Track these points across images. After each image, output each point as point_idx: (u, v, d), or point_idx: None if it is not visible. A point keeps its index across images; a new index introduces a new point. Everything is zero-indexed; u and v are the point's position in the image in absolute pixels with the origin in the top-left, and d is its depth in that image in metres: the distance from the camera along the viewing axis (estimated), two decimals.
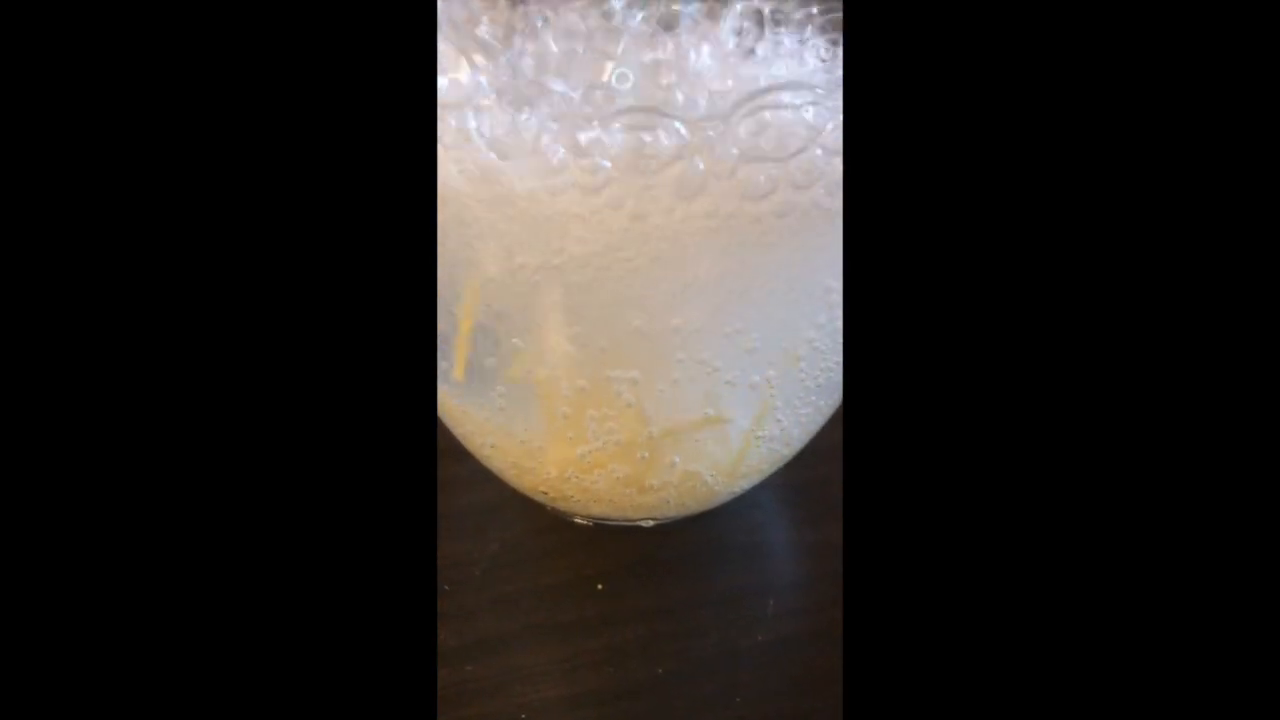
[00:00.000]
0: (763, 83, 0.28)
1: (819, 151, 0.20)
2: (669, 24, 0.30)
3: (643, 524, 0.31)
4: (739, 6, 0.30)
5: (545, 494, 0.28)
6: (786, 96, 0.20)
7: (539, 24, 0.29)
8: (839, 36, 0.29)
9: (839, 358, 0.25)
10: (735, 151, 0.19)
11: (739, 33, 0.30)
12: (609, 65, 0.28)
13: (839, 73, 0.29)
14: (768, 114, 0.20)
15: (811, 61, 0.29)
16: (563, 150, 0.19)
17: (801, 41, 0.29)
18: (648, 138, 0.19)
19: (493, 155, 0.20)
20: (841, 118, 0.20)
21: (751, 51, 0.30)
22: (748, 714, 0.26)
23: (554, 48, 0.29)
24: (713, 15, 0.30)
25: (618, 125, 0.19)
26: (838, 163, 0.20)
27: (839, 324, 0.24)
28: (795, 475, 0.34)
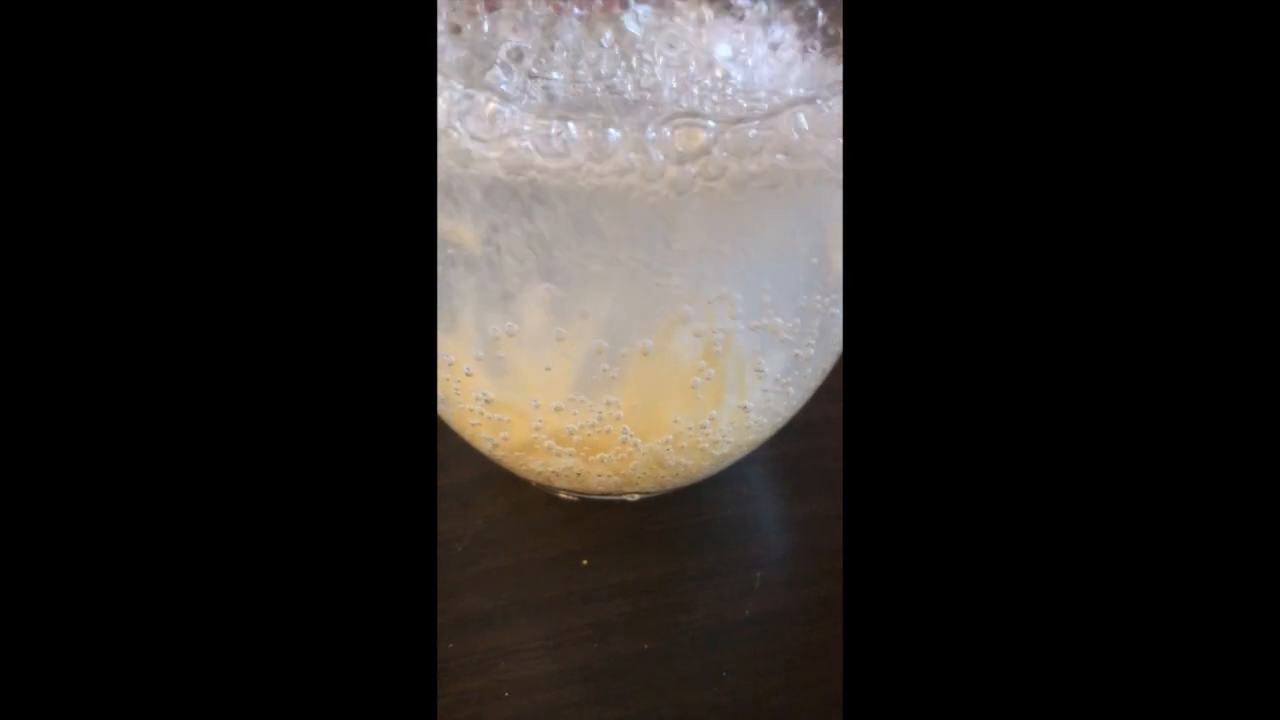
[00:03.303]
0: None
1: (802, 119, 0.20)
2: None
3: (628, 498, 0.31)
4: None
5: (531, 469, 0.28)
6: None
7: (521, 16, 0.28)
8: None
9: (825, 328, 0.24)
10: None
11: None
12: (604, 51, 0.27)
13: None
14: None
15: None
16: (549, 129, 0.19)
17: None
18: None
19: (470, 133, 0.19)
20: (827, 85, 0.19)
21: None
22: (735, 689, 0.25)
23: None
24: None
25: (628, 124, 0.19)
26: (826, 131, 0.20)
27: (826, 293, 0.23)
28: (781, 448, 0.33)
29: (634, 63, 0.28)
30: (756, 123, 0.19)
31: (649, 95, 0.26)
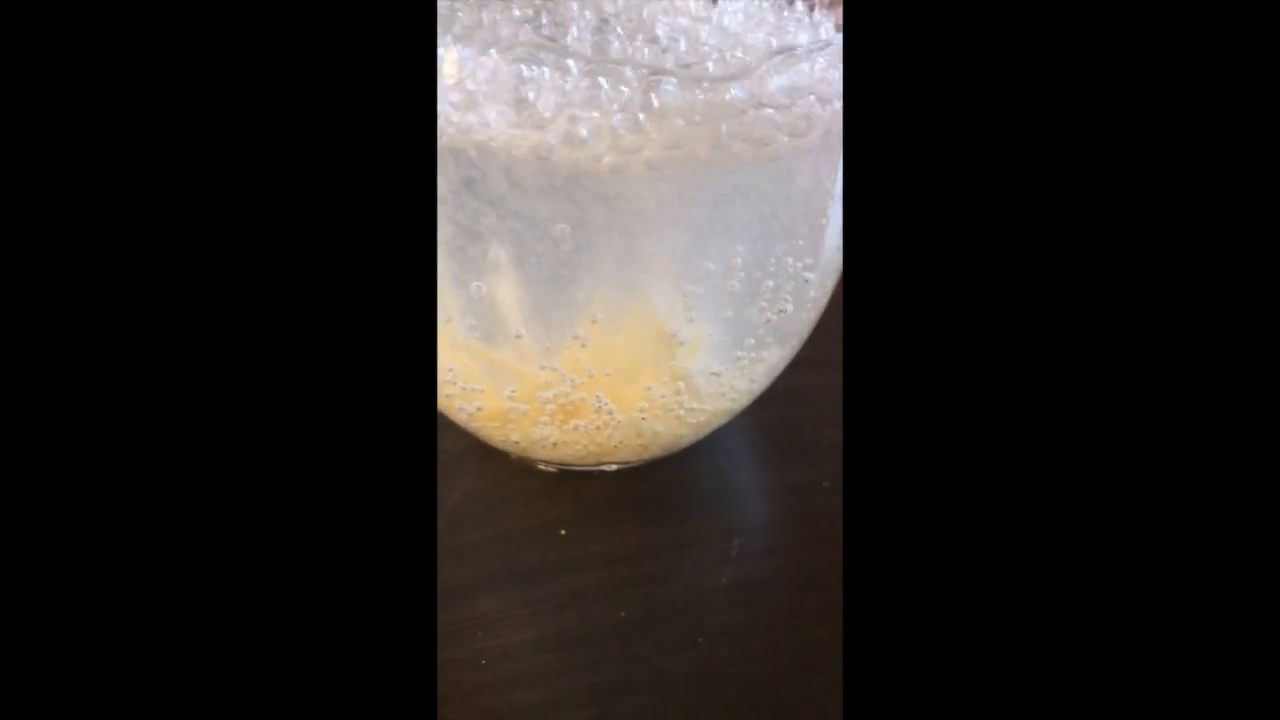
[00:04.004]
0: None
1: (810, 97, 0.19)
2: None
3: (606, 468, 0.31)
4: None
5: (508, 439, 0.28)
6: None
7: None
8: None
9: (800, 293, 0.24)
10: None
11: None
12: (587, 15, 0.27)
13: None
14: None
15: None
16: (530, 95, 0.18)
17: None
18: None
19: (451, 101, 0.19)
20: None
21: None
22: (711, 657, 0.25)
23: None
24: None
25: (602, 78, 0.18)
26: (803, 91, 0.20)
27: (799, 257, 0.23)
28: (759, 418, 0.33)
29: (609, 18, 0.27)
30: (732, 82, 0.19)
31: (617, 50, 0.26)
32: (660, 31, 0.26)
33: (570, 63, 0.18)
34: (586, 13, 0.25)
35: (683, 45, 0.25)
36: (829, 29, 0.28)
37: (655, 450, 0.29)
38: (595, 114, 0.19)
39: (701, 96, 0.19)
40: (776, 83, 0.20)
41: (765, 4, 0.28)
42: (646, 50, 0.26)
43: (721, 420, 0.28)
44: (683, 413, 0.26)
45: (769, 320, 0.24)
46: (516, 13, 0.27)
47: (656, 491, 0.31)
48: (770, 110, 0.20)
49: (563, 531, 0.29)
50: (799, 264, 0.23)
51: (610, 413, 0.25)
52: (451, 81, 0.18)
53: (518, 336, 0.23)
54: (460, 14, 0.26)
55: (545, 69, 0.18)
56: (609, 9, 0.29)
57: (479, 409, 0.26)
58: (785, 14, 0.29)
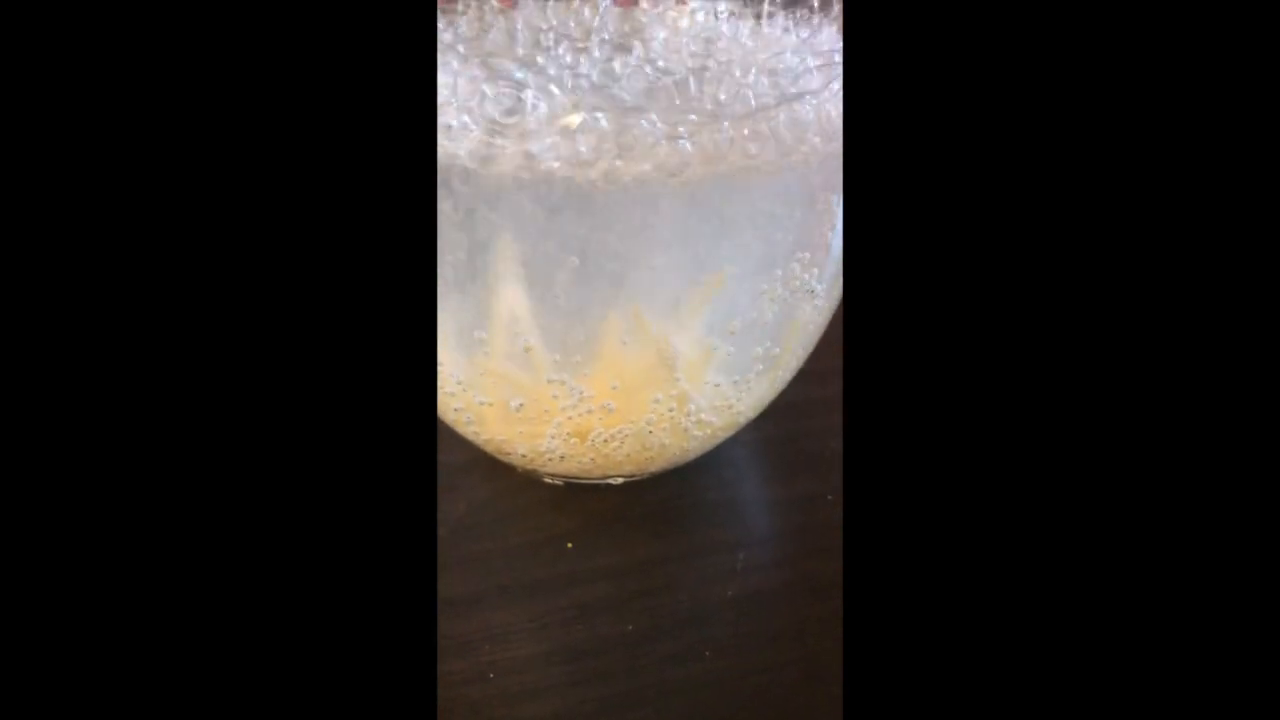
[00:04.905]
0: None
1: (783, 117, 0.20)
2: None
3: (612, 481, 0.31)
4: None
5: (515, 452, 0.28)
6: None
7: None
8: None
9: (806, 307, 0.25)
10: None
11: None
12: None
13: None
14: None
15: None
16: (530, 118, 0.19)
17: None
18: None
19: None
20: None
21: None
22: (717, 668, 0.25)
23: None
24: None
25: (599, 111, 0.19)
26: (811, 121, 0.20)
27: (805, 269, 0.23)
28: (764, 431, 0.34)
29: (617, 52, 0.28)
30: (744, 117, 0.20)
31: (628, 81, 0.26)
32: (686, 51, 0.26)
33: (574, 83, 0.19)
34: (595, 51, 0.25)
35: (688, 62, 0.25)
36: (832, 36, 0.28)
37: (661, 463, 0.29)
38: (601, 131, 0.19)
39: (727, 127, 0.19)
40: (783, 115, 0.20)
41: (772, 18, 0.29)
42: (650, 71, 0.27)
43: (727, 433, 0.29)
44: (689, 425, 0.26)
45: (776, 334, 0.24)
46: (520, 39, 0.28)
47: (662, 504, 0.31)
48: (775, 127, 0.20)
49: (570, 544, 0.29)
50: (806, 275, 0.24)
51: (618, 427, 0.25)
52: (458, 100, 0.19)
53: (526, 349, 0.23)
54: (461, 32, 0.26)
55: (564, 91, 0.18)
56: (611, 28, 0.30)
57: (486, 422, 0.26)
58: (792, 27, 0.29)
